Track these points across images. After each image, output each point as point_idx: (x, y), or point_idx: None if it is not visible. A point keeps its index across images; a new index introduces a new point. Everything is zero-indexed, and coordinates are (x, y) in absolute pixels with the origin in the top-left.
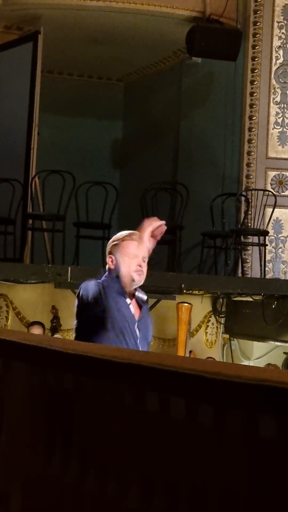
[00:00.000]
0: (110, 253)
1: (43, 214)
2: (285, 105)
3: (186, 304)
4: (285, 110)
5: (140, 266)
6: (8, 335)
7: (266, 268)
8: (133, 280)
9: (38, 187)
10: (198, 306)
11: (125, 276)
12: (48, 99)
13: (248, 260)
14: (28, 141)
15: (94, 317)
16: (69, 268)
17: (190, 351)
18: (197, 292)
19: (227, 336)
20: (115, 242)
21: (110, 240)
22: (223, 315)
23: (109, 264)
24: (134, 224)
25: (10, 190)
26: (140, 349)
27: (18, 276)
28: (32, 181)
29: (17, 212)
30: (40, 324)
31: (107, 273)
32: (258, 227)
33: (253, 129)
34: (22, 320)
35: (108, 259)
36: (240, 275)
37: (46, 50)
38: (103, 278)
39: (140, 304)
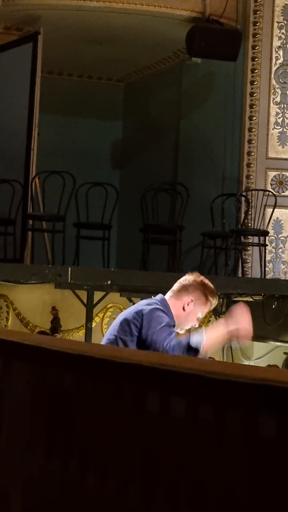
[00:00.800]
0: (192, 296)
1: (43, 214)
2: (285, 105)
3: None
4: (285, 111)
5: (195, 326)
6: (8, 335)
7: (266, 268)
8: (182, 330)
9: (38, 188)
10: None
11: (183, 327)
12: (48, 100)
13: (248, 260)
14: (28, 141)
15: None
16: (69, 269)
17: None
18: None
19: None
20: (204, 295)
21: (202, 280)
22: (223, 316)
23: (185, 306)
24: (134, 224)
25: (10, 190)
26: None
27: (19, 276)
28: (32, 182)
29: (17, 212)
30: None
31: (170, 305)
32: (258, 227)
33: (253, 130)
34: (22, 320)
35: (188, 300)
36: (240, 275)
37: (46, 50)
38: (166, 310)
39: None
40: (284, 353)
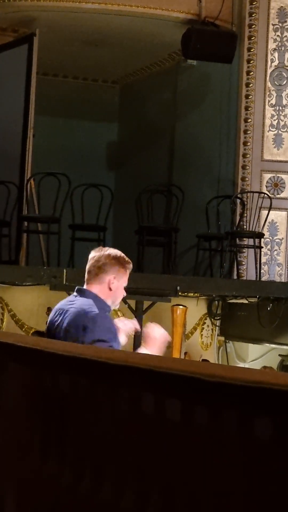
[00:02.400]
0: (112, 273)
1: (38, 216)
2: (280, 108)
3: (181, 307)
4: (280, 113)
5: (124, 295)
6: (4, 337)
7: (262, 271)
8: (116, 305)
9: (33, 189)
10: (193, 308)
11: (117, 303)
12: (44, 101)
13: (243, 263)
14: (24, 143)
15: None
16: (65, 270)
17: (185, 353)
18: (192, 294)
19: (222, 338)
20: (121, 265)
21: (109, 254)
22: (218, 318)
23: (110, 285)
24: (129, 226)
25: (5, 192)
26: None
27: (14, 278)
28: (27, 183)
29: (12, 214)
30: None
31: (95, 293)
32: (253, 230)
33: (249, 132)
34: (17, 322)
35: (110, 279)
36: (235, 277)
37: (41, 52)
38: (97, 302)
39: None
40: (279, 355)
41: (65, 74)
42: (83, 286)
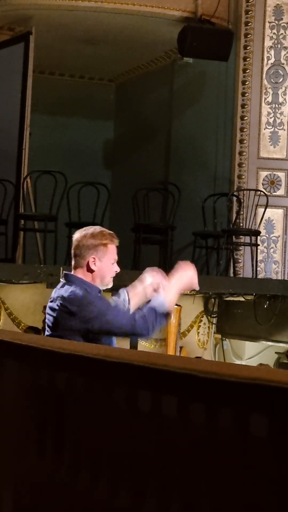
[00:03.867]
0: (91, 255)
1: (35, 214)
2: (277, 105)
3: (175, 306)
4: (277, 110)
5: (117, 271)
6: (0, 335)
7: (258, 268)
8: (107, 284)
9: (30, 188)
10: (190, 306)
11: (107, 282)
12: (40, 100)
13: (240, 260)
14: (20, 141)
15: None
16: (61, 268)
17: (181, 347)
18: (188, 292)
19: (219, 336)
20: (99, 242)
21: (85, 235)
22: (215, 315)
23: (91, 267)
24: (126, 224)
25: (1, 190)
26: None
27: (10, 276)
28: (24, 182)
29: (9, 212)
30: (36, 329)
31: (79, 277)
32: (250, 227)
33: (245, 129)
34: (14, 320)
35: (90, 259)
36: (232, 275)
37: (37, 50)
38: (81, 286)
39: None
40: (276, 352)
41: (61, 72)
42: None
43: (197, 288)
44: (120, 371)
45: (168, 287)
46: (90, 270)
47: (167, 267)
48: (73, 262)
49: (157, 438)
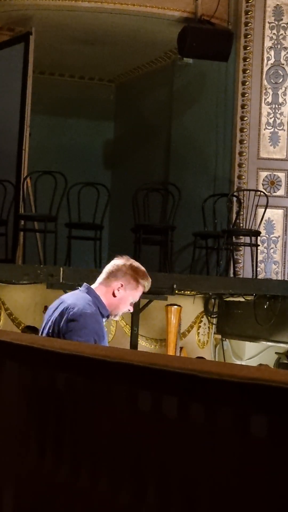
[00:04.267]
0: (122, 281)
1: (35, 215)
2: (277, 106)
3: (175, 306)
4: (277, 111)
5: (130, 310)
6: (0, 335)
7: (258, 269)
8: (115, 316)
9: (30, 188)
10: (190, 306)
11: (116, 313)
12: (40, 100)
13: (240, 261)
14: (20, 142)
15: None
16: (61, 269)
17: (181, 347)
18: (189, 292)
19: (219, 336)
20: (135, 278)
21: (131, 264)
22: (215, 316)
23: (115, 291)
24: (126, 224)
25: (1, 191)
26: None
27: (10, 276)
28: (24, 182)
29: (9, 213)
30: (34, 328)
31: (99, 294)
32: (250, 228)
33: (245, 130)
34: (14, 320)
35: (118, 285)
36: (232, 275)
37: (37, 51)
38: (96, 302)
39: None
40: (276, 353)
41: (61, 73)
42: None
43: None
44: (120, 371)
45: None
46: (113, 294)
47: (167, 267)
48: (101, 279)
49: (157, 438)
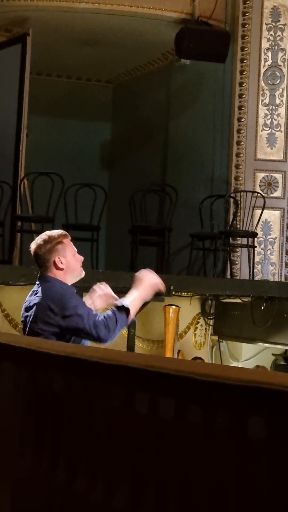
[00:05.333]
0: (54, 255)
1: (32, 216)
2: (274, 107)
3: (173, 307)
4: (274, 112)
5: (81, 259)
6: None
7: (255, 270)
8: (80, 274)
9: (27, 189)
10: (187, 307)
11: (78, 273)
12: (37, 101)
13: (237, 262)
14: (17, 143)
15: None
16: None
17: (179, 351)
18: (185, 293)
19: (216, 337)
20: (55, 243)
21: (39, 245)
22: (212, 317)
23: (59, 265)
24: (123, 225)
25: None
26: None
27: (7, 278)
28: (21, 183)
29: (6, 214)
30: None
31: (53, 277)
32: (247, 229)
33: (242, 131)
34: (11, 322)
35: (57, 260)
36: (229, 276)
37: (35, 52)
38: (57, 284)
39: None
40: (273, 354)
41: (58, 74)
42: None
43: (164, 290)
44: (118, 373)
45: (130, 292)
46: (59, 269)
47: (164, 269)
48: (41, 271)
49: (155, 440)
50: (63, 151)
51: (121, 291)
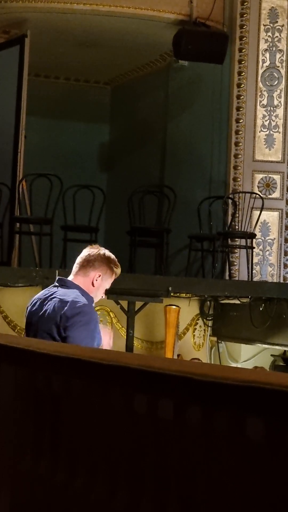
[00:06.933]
0: (99, 271)
1: (30, 217)
2: (272, 108)
3: (174, 307)
4: (272, 113)
5: (102, 297)
6: None
7: (254, 271)
8: (93, 303)
9: (25, 191)
10: (186, 309)
11: (94, 300)
12: (35, 103)
13: (235, 263)
14: (15, 144)
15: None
16: (57, 272)
17: (178, 355)
18: (184, 295)
19: (214, 338)
20: (111, 265)
21: (104, 253)
22: (210, 318)
23: (94, 282)
24: (121, 227)
25: None
26: None
27: (6, 279)
28: (19, 185)
29: (4, 215)
30: None
31: (79, 289)
32: (245, 230)
33: (240, 132)
34: (9, 323)
35: (96, 275)
36: (227, 277)
37: (33, 53)
38: (81, 296)
39: None
40: (271, 355)
41: (56, 75)
42: (66, 277)
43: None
44: (116, 374)
45: None
46: (91, 284)
47: (162, 270)
48: (77, 269)
49: (154, 440)
50: (62, 152)
51: (120, 293)
